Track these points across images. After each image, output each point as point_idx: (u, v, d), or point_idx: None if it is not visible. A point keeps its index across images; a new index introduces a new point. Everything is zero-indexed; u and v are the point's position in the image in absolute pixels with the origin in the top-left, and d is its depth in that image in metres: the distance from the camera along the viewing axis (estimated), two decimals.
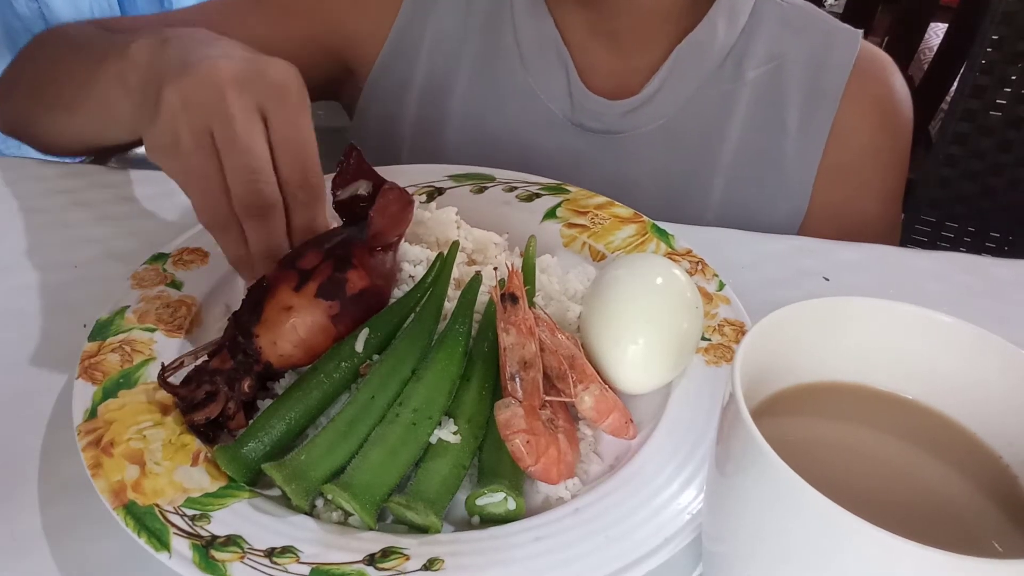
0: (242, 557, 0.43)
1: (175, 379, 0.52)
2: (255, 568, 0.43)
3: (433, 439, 0.50)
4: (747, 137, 0.88)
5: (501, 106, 0.91)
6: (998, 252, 1.49)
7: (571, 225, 0.72)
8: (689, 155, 0.88)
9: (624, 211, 0.73)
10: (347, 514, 0.48)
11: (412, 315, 0.58)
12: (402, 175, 0.66)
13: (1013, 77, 1.36)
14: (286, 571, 0.43)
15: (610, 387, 0.54)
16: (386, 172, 0.63)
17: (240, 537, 0.45)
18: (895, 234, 0.97)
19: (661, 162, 0.88)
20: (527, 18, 0.88)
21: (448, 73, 0.92)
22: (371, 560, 0.44)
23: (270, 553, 0.44)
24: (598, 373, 0.54)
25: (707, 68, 0.87)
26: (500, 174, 0.78)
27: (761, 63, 0.87)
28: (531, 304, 0.57)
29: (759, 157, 0.88)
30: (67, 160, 0.86)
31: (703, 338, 0.60)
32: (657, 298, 0.54)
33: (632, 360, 0.54)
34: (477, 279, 0.59)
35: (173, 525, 0.45)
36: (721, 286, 0.64)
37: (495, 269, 0.64)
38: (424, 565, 0.44)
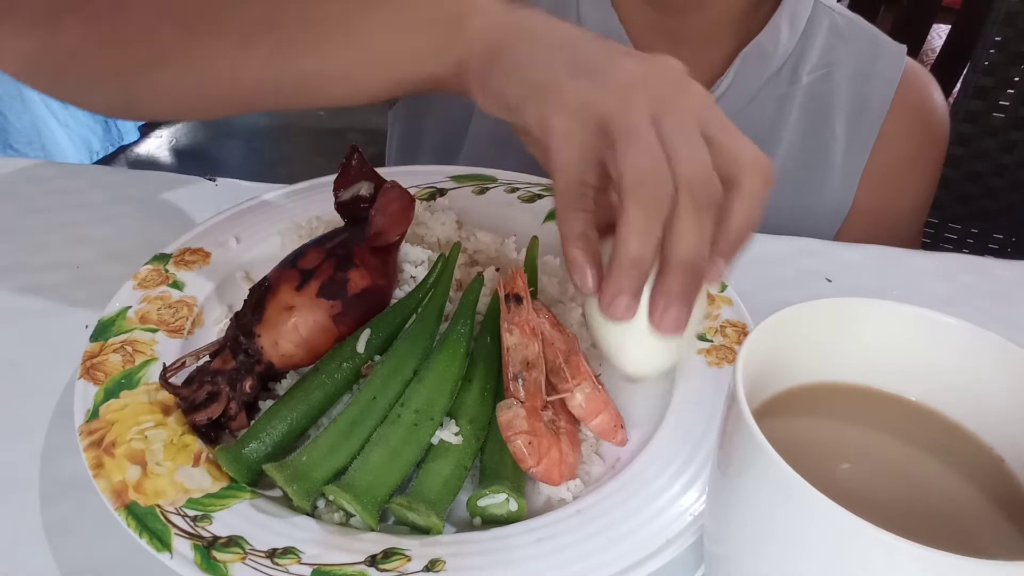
0: (243, 558, 0.43)
1: (177, 379, 0.52)
2: (256, 569, 0.43)
3: (435, 440, 0.50)
4: (798, 141, 0.90)
5: None
6: (1001, 253, 1.49)
7: None
8: None
9: None
10: (348, 515, 0.48)
11: (414, 316, 0.58)
12: (404, 176, 0.66)
13: (1016, 78, 1.36)
14: (287, 572, 0.43)
15: (616, 368, 0.53)
16: (388, 173, 0.63)
17: (242, 538, 0.45)
18: (920, 236, 1.00)
19: None
20: (592, 13, 0.88)
21: None
22: (373, 561, 0.44)
23: (272, 554, 0.44)
24: (602, 354, 0.53)
25: (768, 72, 0.88)
26: (502, 175, 0.78)
27: (815, 69, 0.89)
28: (533, 297, 0.57)
29: (808, 161, 0.90)
30: (68, 161, 0.85)
31: (705, 339, 0.60)
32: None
33: (634, 341, 0.53)
34: (479, 280, 0.59)
35: (174, 526, 0.45)
36: (723, 287, 0.64)
37: (497, 270, 0.64)
38: (426, 566, 0.44)
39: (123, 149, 3.23)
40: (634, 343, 0.52)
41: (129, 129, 3.22)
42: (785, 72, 0.88)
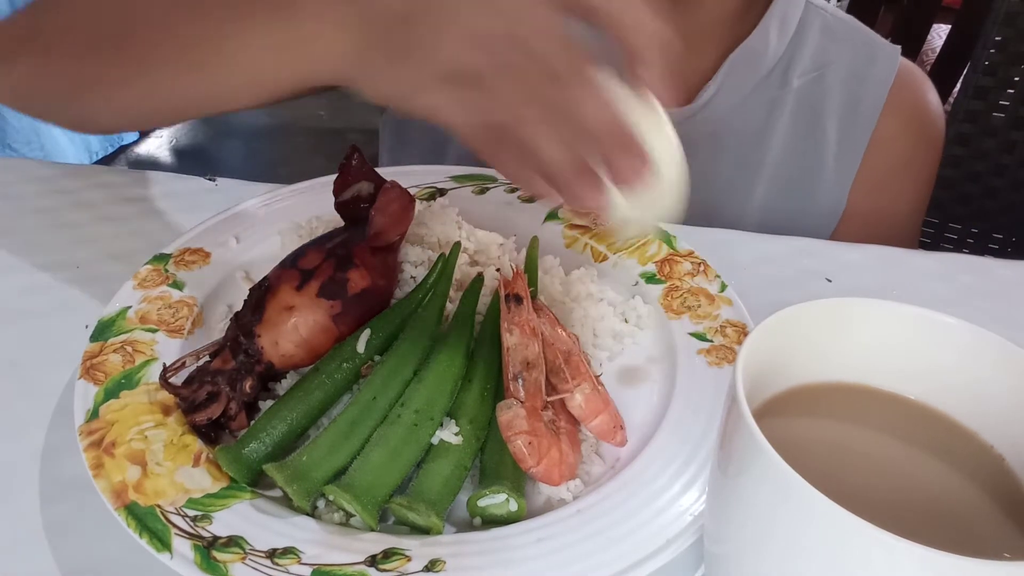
0: (243, 558, 0.43)
1: (177, 379, 0.52)
2: (256, 569, 0.43)
3: (435, 440, 0.50)
4: (789, 145, 0.89)
5: None
6: (1001, 253, 1.49)
7: (573, 226, 0.72)
8: (734, 161, 0.90)
9: None
10: (348, 515, 0.48)
11: (414, 316, 0.58)
12: (404, 176, 0.66)
13: (1016, 78, 1.36)
14: (287, 572, 0.43)
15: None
16: (388, 173, 0.63)
17: (242, 538, 0.45)
18: (916, 239, 0.99)
19: (708, 168, 0.88)
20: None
21: None
22: (373, 561, 0.44)
23: (272, 554, 0.44)
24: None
25: (758, 76, 0.87)
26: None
27: (806, 72, 0.88)
28: (534, 297, 0.57)
29: (800, 165, 0.90)
30: (68, 161, 0.85)
31: (705, 339, 0.60)
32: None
33: (630, 207, 0.50)
34: (479, 280, 0.59)
35: (174, 526, 0.45)
36: (723, 287, 0.64)
37: (497, 270, 0.64)
38: (426, 566, 0.44)
39: (123, 149, 3.23)
40: (632, 209, 0.51)
41: None
42: (775, 75, 0.88)
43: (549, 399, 0.52)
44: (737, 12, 0.86)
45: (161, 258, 0.65)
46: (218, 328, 0.61)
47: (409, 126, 0.98)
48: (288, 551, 0.44)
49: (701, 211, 0.75)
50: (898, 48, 0.91)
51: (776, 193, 0.90)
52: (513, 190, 0.76)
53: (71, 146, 2.88)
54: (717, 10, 0.85)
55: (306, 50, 0.54)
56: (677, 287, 0.65)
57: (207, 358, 0.54)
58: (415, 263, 0.63)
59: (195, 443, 0.50)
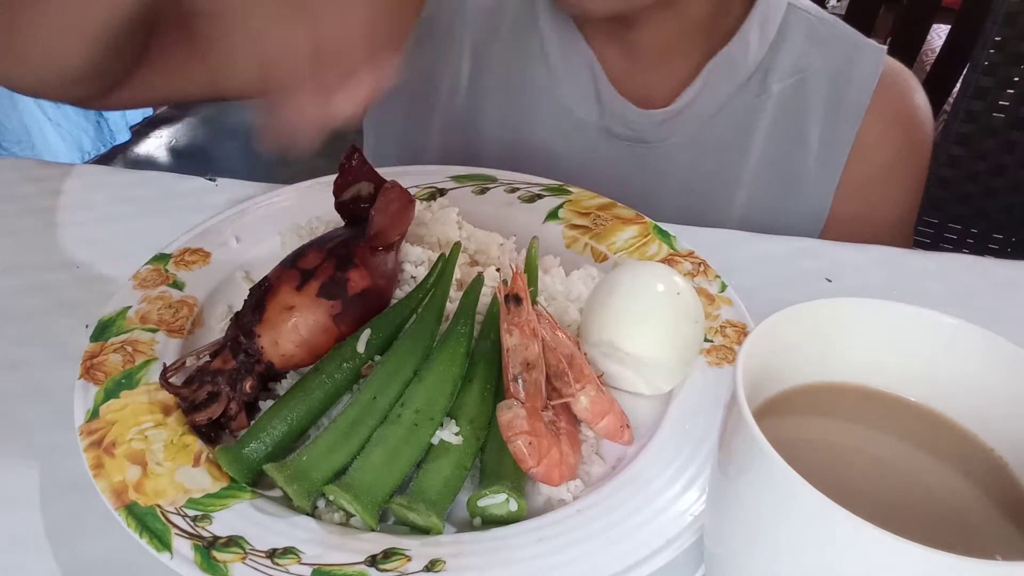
0: (243, 558, 0.43)
1: (177, 379, 0.52)
2: (257, 569, 0.43)
3: (435, 440, 0.50)
4: (770, 150, 0.88)
5: (529, 110, 0.90)
6: (1001, 253, 1.49)
7: (573, 226, 0.72)
8: (714, 167, 0.89)
9: (626, 212, 0.73)
10: (348, 515, 0.48)
11: (414, 316, 0.58)
12: (404, 176, 0.66)
13: (1016, 78, 1.36)
14: (287, 572, 0.43)
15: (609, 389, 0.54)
16: (388, 173, 0.63)
17: (242, 538, 0.45)
18: (907, 244, 0.98)
19: (686, 173, 0.88)
20: (551, 21, 0.87)
21: (477, 74, 0.92)
22: (373, 561, 0.44)
23: (272, 554, 0.44)
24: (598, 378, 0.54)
25: (737, 83, 0.86)
26: (502, 175, 0.78)
27: (786, 76, 0.87)
28: (533, 302, 0.57)
29: (781, 170, 0.89)
30: (58, 160, 0.84)
31: (705, 339, 0.60)
32: (658, 304, 0.55)
33: (632, 364, 0.54)
34: (479, 280, 0.59)
35: (175, 526, 0.45)
36: (723, 287, 0.64)
37: (497, 270, 0.64)
38: (426, 566, 0.44)
39: (122, 150, 3.23)
40: (632, 365, 0.55)
41: (121, 129, 3.24)
42: (754, 81, 0.87)
43: (554, 403, 0.52)
44: (709, 19, 0.85)
45: (161, 258, 0.65)
46: (218, 328, 0.61)
47: (388, 125, 0.98)
48: (288, 551, 0.44)
49: (682, 216, 0.75)
50: (883, 48, 0.89)
51: (757, 199, 0.89)
52: (513, 190, 0.76)
53: (62, 145, 2.89)
54: (699, 11, 0.84)
55: None
56: None
57: (207, 358, 0.54)
58: (415, 263, 0.63)
59: (195, 443, 0.50)
